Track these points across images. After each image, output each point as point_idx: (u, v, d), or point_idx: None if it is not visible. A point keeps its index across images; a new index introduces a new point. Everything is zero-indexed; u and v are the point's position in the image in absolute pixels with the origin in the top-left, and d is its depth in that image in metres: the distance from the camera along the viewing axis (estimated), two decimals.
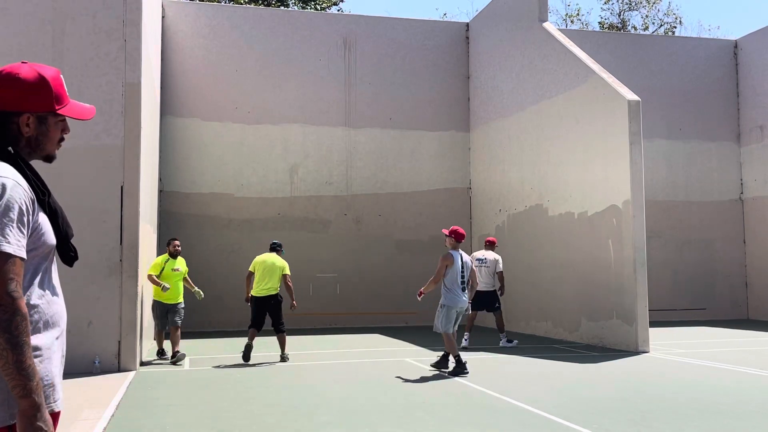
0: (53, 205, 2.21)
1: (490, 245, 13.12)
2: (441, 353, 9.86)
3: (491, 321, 16.89)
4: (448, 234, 9.60)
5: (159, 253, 14.38)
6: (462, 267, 9.46)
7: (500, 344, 12.64)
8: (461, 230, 9.59)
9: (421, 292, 9.75)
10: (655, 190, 18.47)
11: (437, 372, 9.51)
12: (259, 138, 17.33)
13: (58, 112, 2.26)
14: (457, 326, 9.55)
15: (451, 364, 9.47)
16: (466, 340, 12.35)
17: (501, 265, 12.90)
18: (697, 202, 19.09)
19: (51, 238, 2.17)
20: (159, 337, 11.09)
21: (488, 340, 13.43)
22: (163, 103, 16.26)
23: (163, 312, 10.83)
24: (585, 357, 11.13)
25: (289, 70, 17.66)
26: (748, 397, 7.70)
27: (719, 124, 19.59)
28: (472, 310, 12.66)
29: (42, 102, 2.23)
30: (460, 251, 9.59)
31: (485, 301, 12.68)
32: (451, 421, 6.59)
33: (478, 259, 12.79)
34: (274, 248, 11.21)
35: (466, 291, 9.58)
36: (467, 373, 9.10)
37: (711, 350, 11.82)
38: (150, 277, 10.56)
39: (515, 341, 12.80)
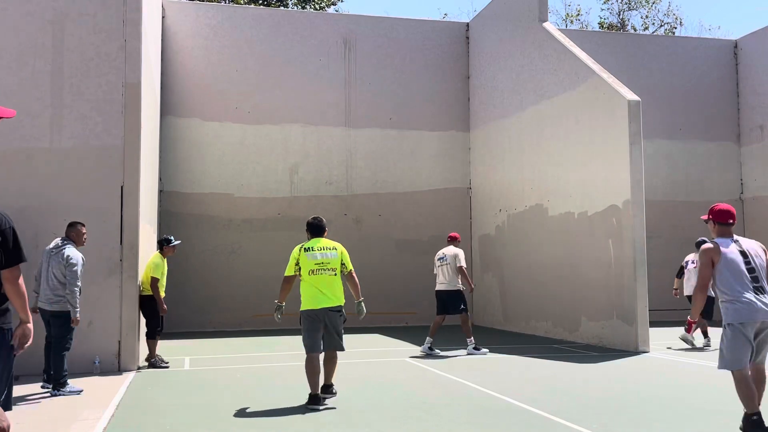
0: None
1: (451, 240, 11.89)
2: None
3: (491, 321, 16.93)
4: (706, 218, 6.16)
5: None
6: (746, 258, 5.78)
7: (467, 351, 11.43)
8: (723, 207, 6.06)
9: (690, 323, 6.25)
10: (655, 190, 18.46)
11: (438, 372, 9.50)
12: (259, 138, 17.33)
13: None
14: (762, 356, 5.73)
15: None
16: (429, 347, 11.28)
17: (462, 261, 11.48)
18: (697, 202, 19.07)
19: None
20: (314, 373, 7.20)
21: (488, 341, 13.42)
22: (163, 103, 16.26)
23: (315, 323, 7.30)
24: (585, 357, 11.13)
25: (289, 70, 17.65)
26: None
27: (719, 124, 19.59)
28: (437, 313, 11.49)
29: None
30: (736, 237, 5.95)
31: (448, 302, 11.47)
32: (451, 421, 6.59)
33: (438, 258, 11.68)
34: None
35: (766, 293, 5.67)
36: None
37: (711, 350, 11.81)
38: (288, 280, 7.42)
39: (485, 350, 11.52)
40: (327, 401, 7.24)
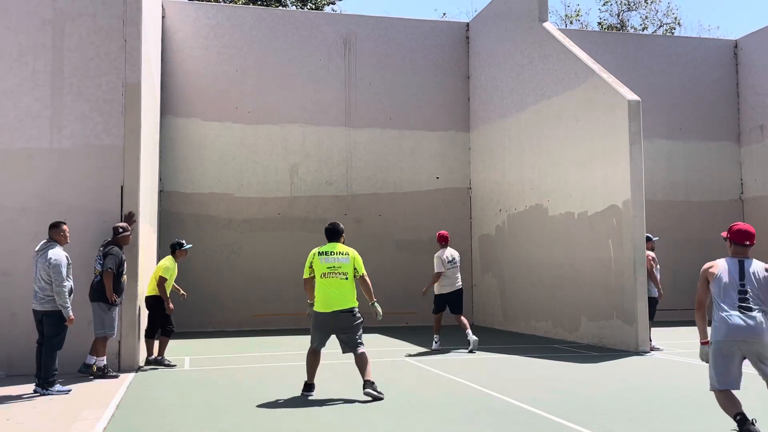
0: None
1: (447, 240, 12.06)
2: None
3: (491, 321, 16.94)
4: (726, 236, 5.96)
5: (159, 254, 14.26)
6: (742, 280, 5.64)
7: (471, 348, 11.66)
8: (742, 227, 5.85)
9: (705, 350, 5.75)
10: (655, 190, 18.46)
11: (438, 372, 9.50)
12: (259, 138, 17.34)
13: None
14: None
15: None
16: (436, 342, 11.76)
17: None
18: (697, 202, 19.08)
19: None
20: (312, 365, 7.95)
21: (488, 340, 13.43)
22: (163, 103, 16.25)
23: (324, 325, 7.89)
24: (585, 357, 11.13)
25: (289, 70, 17.66)
26: (748, 397, 7.70)
27: (719, 124, 19.59)
28: (452, 312, 11.70)
29: None
30: (747, 259, 5.78)
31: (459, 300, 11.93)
32: (451, 421, 6.59)
33: (449, 261, 11.78)
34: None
35: (756, 311, 5.51)
36: None
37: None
38: (307, 282, 7.96)
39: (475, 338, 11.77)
40: (375, 396, 7.47)
